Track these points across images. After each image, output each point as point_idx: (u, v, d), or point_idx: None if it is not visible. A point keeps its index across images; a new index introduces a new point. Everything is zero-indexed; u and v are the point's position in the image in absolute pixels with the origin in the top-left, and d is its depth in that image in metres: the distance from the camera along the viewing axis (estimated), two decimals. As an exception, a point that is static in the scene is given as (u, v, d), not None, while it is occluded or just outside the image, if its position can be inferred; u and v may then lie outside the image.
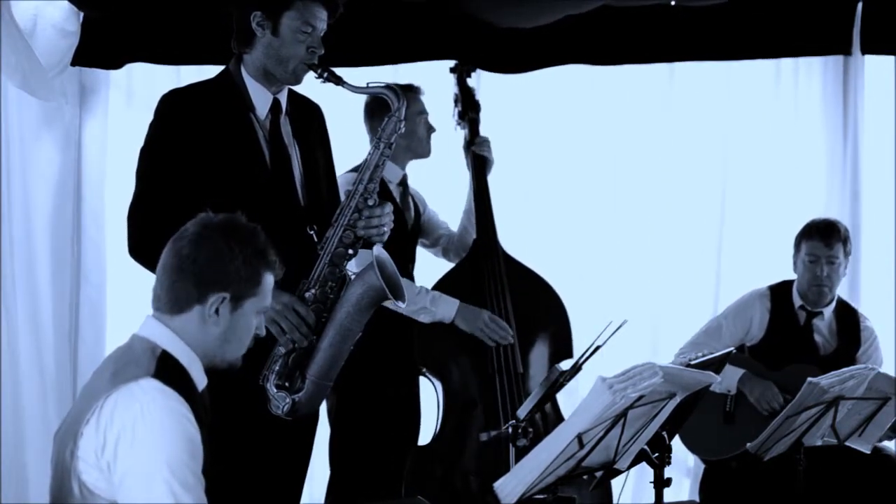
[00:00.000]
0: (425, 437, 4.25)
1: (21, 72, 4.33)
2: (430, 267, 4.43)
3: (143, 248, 3.08)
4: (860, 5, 5.00)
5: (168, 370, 2.40)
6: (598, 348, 3.17)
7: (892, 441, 4.37)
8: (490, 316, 4.14)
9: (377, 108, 4.03)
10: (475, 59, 4.69)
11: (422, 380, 4.28)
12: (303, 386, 3.12)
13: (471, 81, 4.59)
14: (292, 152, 3.29)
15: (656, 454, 3.05)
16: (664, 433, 3.03)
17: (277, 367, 3.12)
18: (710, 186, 5.16)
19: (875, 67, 5.14)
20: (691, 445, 4.46)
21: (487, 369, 4.19)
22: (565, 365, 3.94)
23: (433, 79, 4.58)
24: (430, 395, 4.26)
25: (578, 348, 4.13)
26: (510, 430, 3.30)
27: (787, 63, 5.17)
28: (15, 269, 4.54)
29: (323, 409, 3.47)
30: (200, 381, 2.49)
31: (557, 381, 3.24)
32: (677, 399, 2.92)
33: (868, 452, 3.81)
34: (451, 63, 4.59)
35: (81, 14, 4.53)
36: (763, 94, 5.18)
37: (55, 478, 2.42)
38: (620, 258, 5.09)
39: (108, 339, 4.70)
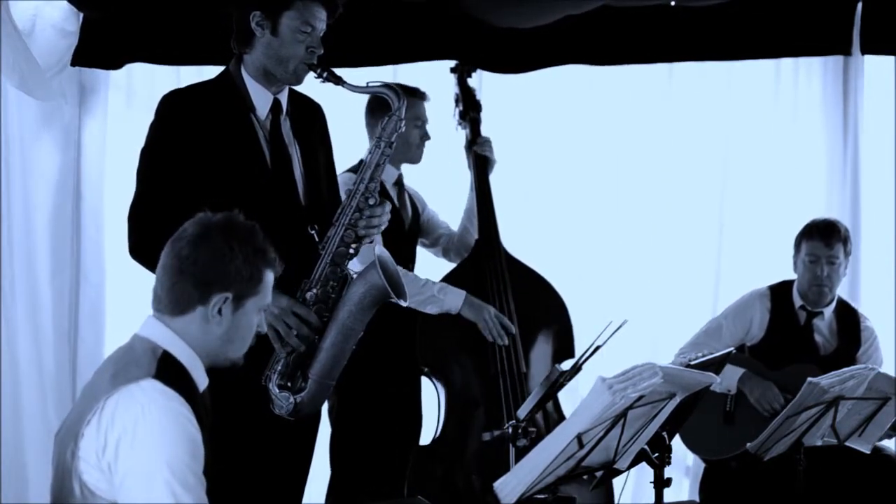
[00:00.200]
0: (426, 437, 4.25)
1: (19, 71, 4.33)
2: (430, 267, 4.43)
3: (143, 248, 3.08)
4: (860, 5, 5.00)
5: (169, 371, 2.40)
6: (598, 348, 3.17)
7: (893, 441, 4.37)
8: (496, 312, 4.14)
9: (378, 107, 4.03)
10: (475, 59, 4.69)
11: (423, 379, 4.28)
12: (305, 385, 3.12)
13: (472, 82, 4.60)
14: (293, 152, 3.29)
15: (656, 454, 3.05)
16: (664, 433, 3.03)
17: (280, 367, 3.12)
18: (709, 186, 5.16)
19: (875, 67, 5.15)
20: (691, 445, 4.46)
21: (490, 369, 4.19)
22: (566, 365, 3.94)
23: (433, 79, 4.58)
24: (431, 394, 4.26)
25: (579, 348, 4.14)
26: (510, 430, 3.30)
27: (787, 63, 5.18)
28: (14, 269, 4.54)
29: (323, 408, 3.47)
30: (202, 381, 2.49)
31: (557, 381, 3.25)
32: (677, 399, 2.92)
33: (868, 452, 3.80)
34: (452, 63, 4.60)
35: (81, 14, 4.53)
36: (763, 95, 5.18)
37: (56, 478, 2.42)
38: (621, 258, 5.09)
39: (107, 339, 4.69)
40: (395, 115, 3.22)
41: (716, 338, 4.44)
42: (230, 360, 2.52)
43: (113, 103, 4.74)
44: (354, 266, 3.23)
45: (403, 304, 3.17)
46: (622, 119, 5.10)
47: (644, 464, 3.08)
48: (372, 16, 4.60)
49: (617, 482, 3.62)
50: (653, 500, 3.07)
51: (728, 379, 4.33)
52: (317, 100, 3.44)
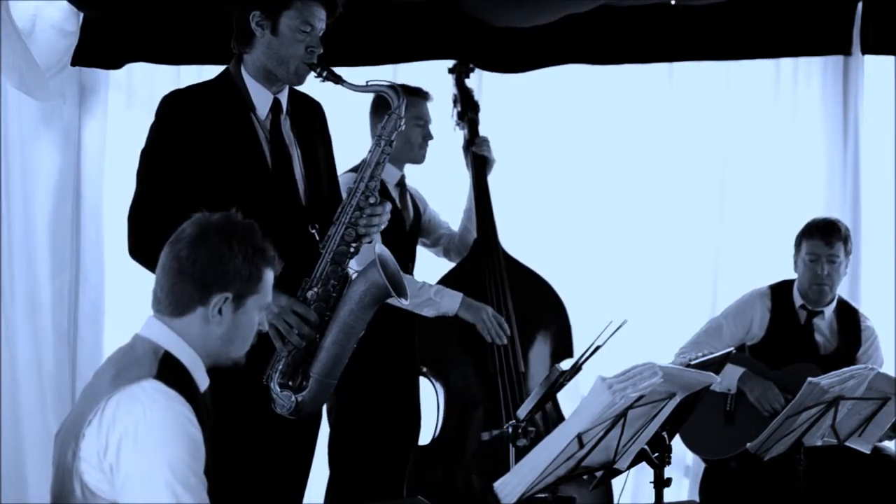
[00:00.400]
0: (426, 436, 4.25)
1: (18, 71, 4.33)
2: (430, 267, 4.43)
3: (143, 248, 3.08)
4: (860, 5, 5.00)
5: (170, 371, 2.40)
6: (598, 348, 3.17)
7: (893, 441, 4.37)
8: (494, 312, 4.14)
9: (381, 106, 4.02)
10: (474, 58, 4.69)
11: (422, 379, 4.28)
12: (307, 385, 3.12)
13: (470, 82, 4.59)
14: (293, 152, 3.29)
15: (656, 454, 3.05)
16: (664, 433, 3.03)
17: (281, 367, 3.12)
18: (709, 186, 5.16)
19: (875, 67, 5.14)
20: (691, 445, 4.46)
21: (489, 369, 4.19)
22: (565, 365, 3.94)
23: (433, 79, 4.57)
24: (430, 394, 4.25)
25: (578, 348, 4.13)
26: (510, 429, 3.30)
27: (786, 63, 5.17)
28: (14, 269, 4.54)
29: (323, 408, 3.47)
30: (203, 381, 2.49)
31: (557, 381, 3.25)
32: (677, 399, 2.92)
33: (868, 452, 3.80)
34: (451, 63, 4.60)
35: (81, 14, 4.53)
36: (763, 95, 5.18)
37: (56, 478, 2.42)
38: (620, 258, 5.09)
39: (106, 339, 4.70)
40: (395, 114, 3.23)
41: (716, 337, 4.44)
42: (232, 359, 2.51)
43: (113, 103, 4.74)
44: (352, 266, 3.23)
45: (405, 302, 3.17)
46: (621, 119, 5.09)
47: (644, 464, 3.08)
48: (371, 15, 4.60)
49: (617, 482, 3.61)
50: (653, 500, 3.07)
51: (728, 378, 4.33)
52: (317, 99, 3.44)
